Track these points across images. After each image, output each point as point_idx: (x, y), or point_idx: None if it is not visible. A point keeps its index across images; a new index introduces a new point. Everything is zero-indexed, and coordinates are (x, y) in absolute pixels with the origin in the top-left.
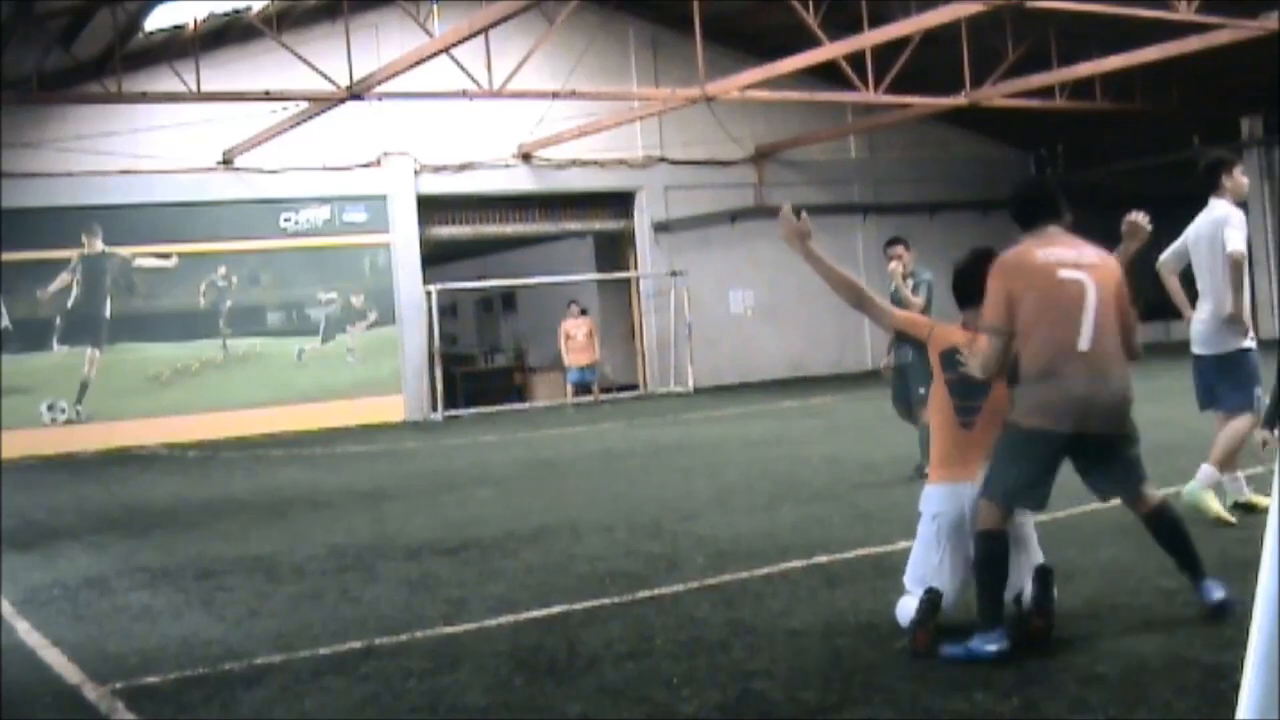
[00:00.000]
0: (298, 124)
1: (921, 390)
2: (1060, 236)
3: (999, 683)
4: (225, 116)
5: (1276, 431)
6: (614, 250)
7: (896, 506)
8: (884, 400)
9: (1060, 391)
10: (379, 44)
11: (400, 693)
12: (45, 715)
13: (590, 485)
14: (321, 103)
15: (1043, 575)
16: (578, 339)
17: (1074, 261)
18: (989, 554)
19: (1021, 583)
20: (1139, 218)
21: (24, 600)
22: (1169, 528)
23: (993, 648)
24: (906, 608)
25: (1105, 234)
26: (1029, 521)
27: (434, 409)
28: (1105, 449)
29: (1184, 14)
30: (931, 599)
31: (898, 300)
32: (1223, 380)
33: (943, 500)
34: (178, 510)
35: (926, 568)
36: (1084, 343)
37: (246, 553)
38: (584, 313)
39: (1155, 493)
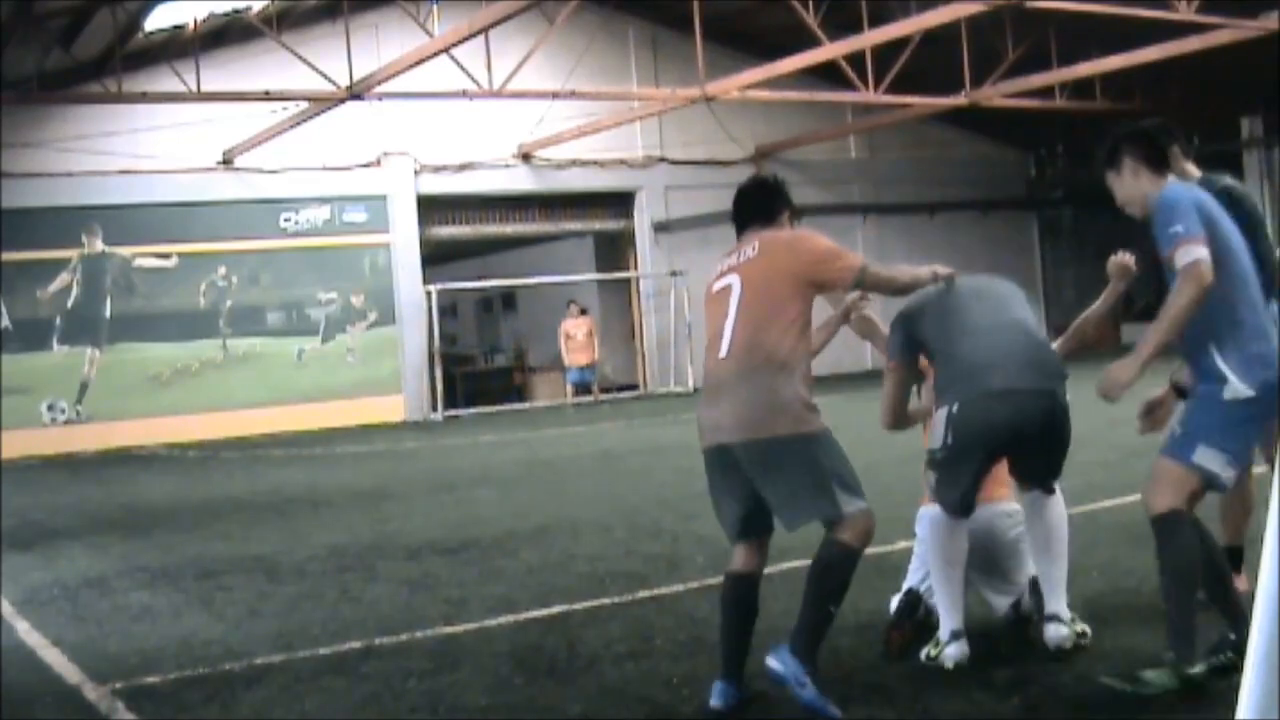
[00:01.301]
0: (298, 124)
1: None
2: (751, 237)
3: (999, 683)
4: (225, 116)
5: None
6: (614, 250)
7: (896, 507)
8: None
9: (701, 405)
10: (379, 44)
11: (400, 693)
12: (45, 715)
13: (590, 485)
14: (321, 103)
15: (1035, 585)
16: (578, 339)
17: (730, 266)
18: (722, 594)
19: (1020, 591)
20: (1126, 259)
21: (24, 600)
22: (819, 571)
23: (714, 701)
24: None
25: (1105, 234)
26: (1018, 529)
27: (434, 409)
28: (759, 462)
29: (1184, 14)
30: (909, 600)
31: None
32: None
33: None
34: (178, 510)
35: (914, 582)
36: (723, 349)
37: (246, 553)
38: (584, 313)
39: (841, 534)
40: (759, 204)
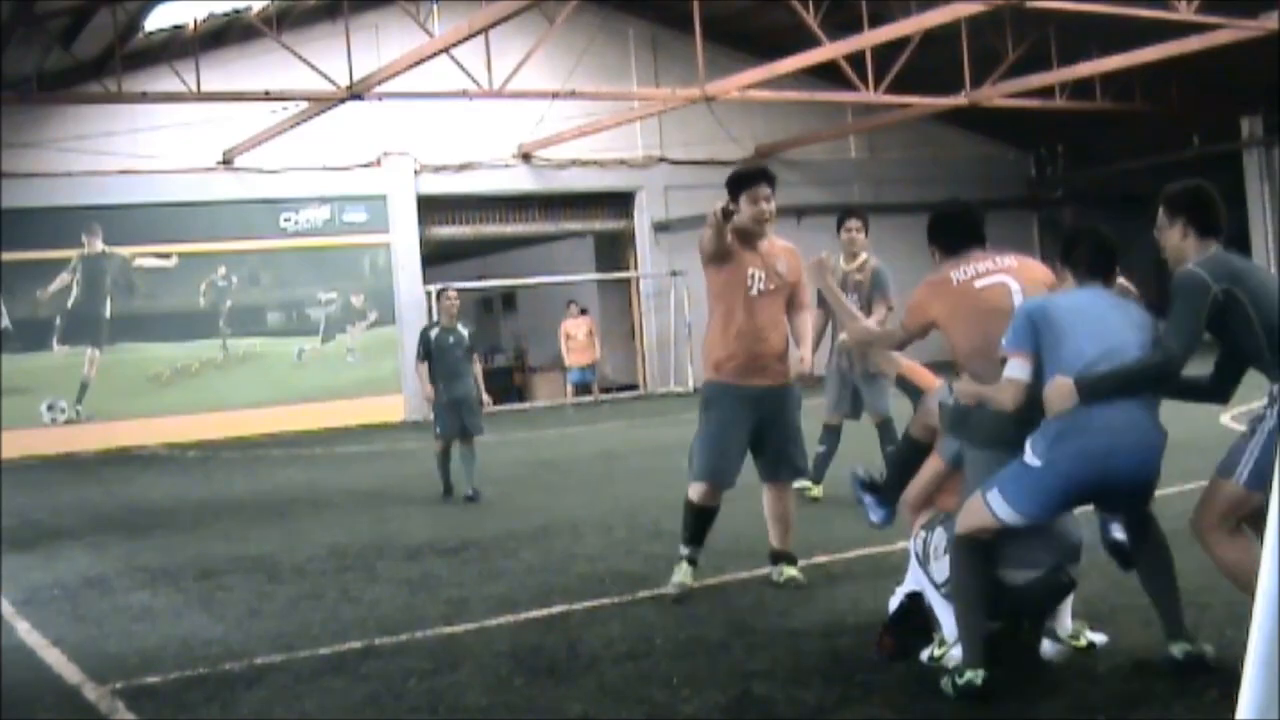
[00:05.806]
0: (298, 124)
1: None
2: (985, 254)
3: (999, 683)
4: (225, 116)
5: None
6: (614, 250)
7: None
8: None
9: None
10: (379, 44)
11: (400, 693)
12: (45, 715)
13: (590, 485)
14: (321, 103)
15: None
16: (578, 339)
17: (999, 268)
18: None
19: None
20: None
21: (24, 600)
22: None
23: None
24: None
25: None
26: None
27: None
28: None
29: (1184, 14)
30: (910, 604)
31: None
32: None
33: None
34: (178, 510)
35: (914, 585)
36: None
37: (246, 553)
38: (584, 312)
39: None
40: (978, 229)
